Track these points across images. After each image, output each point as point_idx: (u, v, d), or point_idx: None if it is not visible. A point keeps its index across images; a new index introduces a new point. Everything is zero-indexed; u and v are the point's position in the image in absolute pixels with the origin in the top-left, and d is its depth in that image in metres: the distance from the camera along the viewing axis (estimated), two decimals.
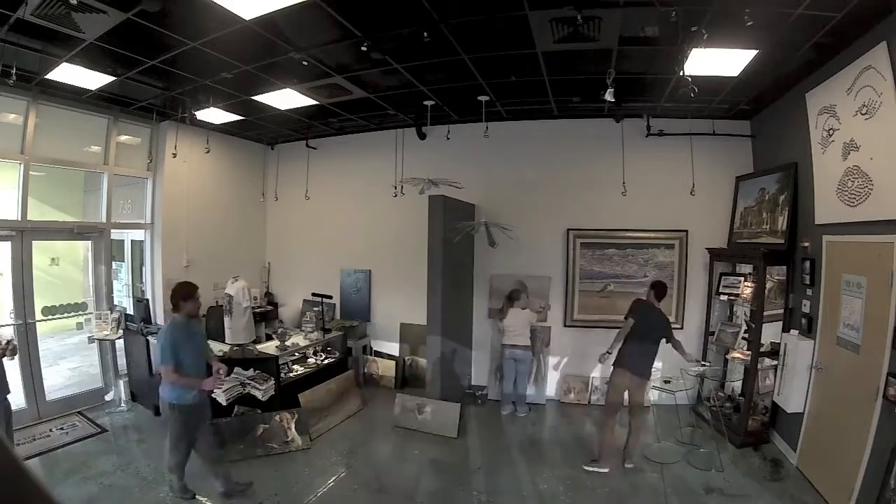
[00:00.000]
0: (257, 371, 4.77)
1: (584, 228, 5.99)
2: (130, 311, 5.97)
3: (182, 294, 3.48)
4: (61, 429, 4.82)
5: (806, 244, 4.34)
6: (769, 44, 3.56)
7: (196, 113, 5.58)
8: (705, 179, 5.42)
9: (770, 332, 4.67)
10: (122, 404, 5.46)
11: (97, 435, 4.74)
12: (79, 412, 5.22)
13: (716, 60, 3.73)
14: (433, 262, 5.30)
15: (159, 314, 6.19)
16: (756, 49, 3.63)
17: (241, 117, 5.97)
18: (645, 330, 4.16)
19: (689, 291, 5.81)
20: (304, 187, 7.06)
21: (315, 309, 6.60)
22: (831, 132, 3.86)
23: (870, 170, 3.39)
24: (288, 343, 5.51)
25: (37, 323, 5.08)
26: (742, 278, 5.14)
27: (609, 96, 3.81)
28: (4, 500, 0.44)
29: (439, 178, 4.97)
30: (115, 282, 6.05)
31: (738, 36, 3.35)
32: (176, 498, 3.63)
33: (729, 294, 5.22)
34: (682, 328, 5.80)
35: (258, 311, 6.74)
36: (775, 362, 4.49)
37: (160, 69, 4.38)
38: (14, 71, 3.83)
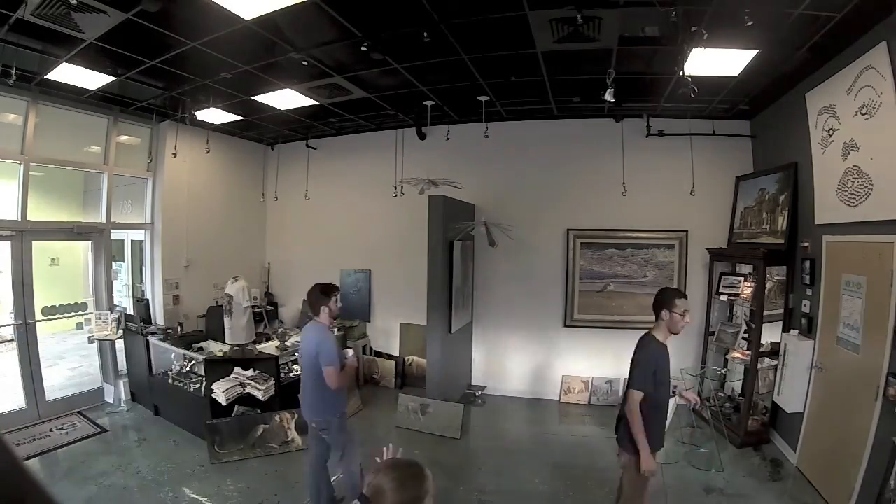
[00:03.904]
0: (257, 371, 4.77)
1: (584, 228, 5.99)
2: (130, 312, 5.97)
3: (330, 292, 3.30)
4: (61, 429, 4.82)
5: (806, 244, 4.34)
6: (769, 44, 3.56)
7: (196, 113, 5.59)
8: (705, 179, 5.42)
9: (770, 332, 4.67)
10: (122, 404, 5.46)
11: (97, 435, 4.74)
12: (79, 412, 5.22)
13: (716, 60, 3.73)
14: (433, 263, 5.30)
15: (159, 314, 6.20)
16: (756, 49, 3.63)
17: (241, 117, 5.97)
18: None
19: (689, 291, 5.78)
20: (304, 187, 7.06)
21: None
22: (831, 132, 3.86)
23: (870, 170, 3.39)
24: (288, 343, 5.51)
25: (37, 323, 5.08)
26: (742, 278, 5.14)
27: (609, 96, 3.81)
28: (4, 500, 0.44)
29: (439, 178, 4.97)
30: (115, 282, 6.05)
31: (738, 36, 3.35)
32: None
33: (729, 294, 5.22)
34: None
35: (258, 311, 6.74)
36: (775, 362, 4.49)
37: (160, 69, 4.38)
38: (14, 71, 3.83)
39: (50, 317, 5.37)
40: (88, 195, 6.09)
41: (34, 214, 5.07)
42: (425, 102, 5.47)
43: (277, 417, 4.62)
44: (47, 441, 4.54)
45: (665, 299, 2.78)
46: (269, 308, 7.31)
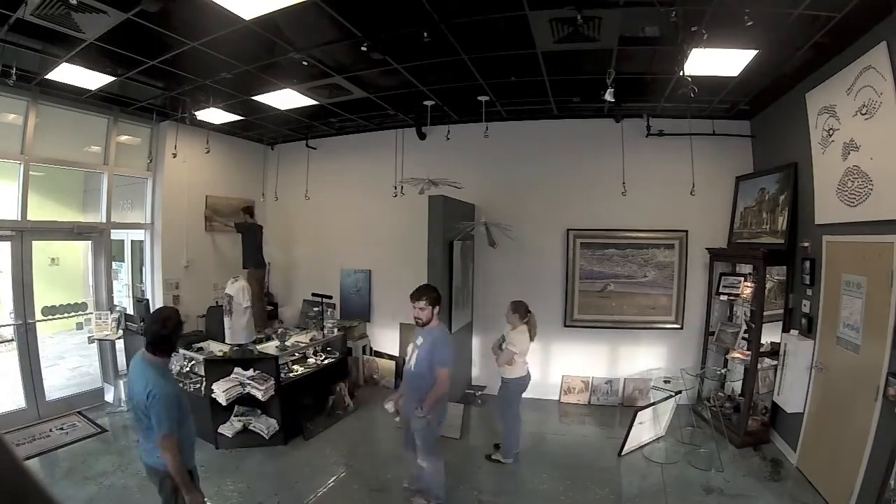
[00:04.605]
0: (257, 371, 4.76)
1: (584, 228, 5.98)
2: (130, 312, 5.97)
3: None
4: (61, 429, 4.82)
5: (806, 244, 4.34)
6: (769, 44, 3.56)
7: (196, 113, 5.58)
8: (705, 179, 5.41)
9: (770, 332, 4.67)
10: (122, 404, 5.45)
11: (97, 435, 4.74)
12: (79, 412, 5.22)
13: (716, 60, 3.73)
14: (433, 263, 5.29)
15: None
16: (756, 49, 3.63)
17: (241, 117, 5.97)
18: None
19: (689, 291, 5.81)
20: (304, 187, 7.06)
21: (315, 309, 6.60)
22: (831, 132, 3.86)
23: (870, 170, 3.39)
24: (288, 343, 5.51)
25: (37, 323, 5.08)
26: (742, 278, 5.14)
27: (609, 96, 3.81)
28: (4, 500, 0.44)
29: (439, 178, 4.97)
30: (115, 282, 6.05)
31: (738, 36, 3.35)
32: None
33: (729, 294, 5.22)
34: (682, 328, 5.81)
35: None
36: (775, 362, 4.49)
37: (160, 69, 4.38)
38: (14, 71, 3.84)
39: (50, 317, 5.37)
40: (88, 195, 6.09)
41: (34, 214, 5.07)
42: (425, 102, 5.47)
43: (338, 388, 5.23)
44: (47, 441, 4.54)
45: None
46: (269, 308, 7.31)
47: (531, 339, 4.29)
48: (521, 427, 4.47)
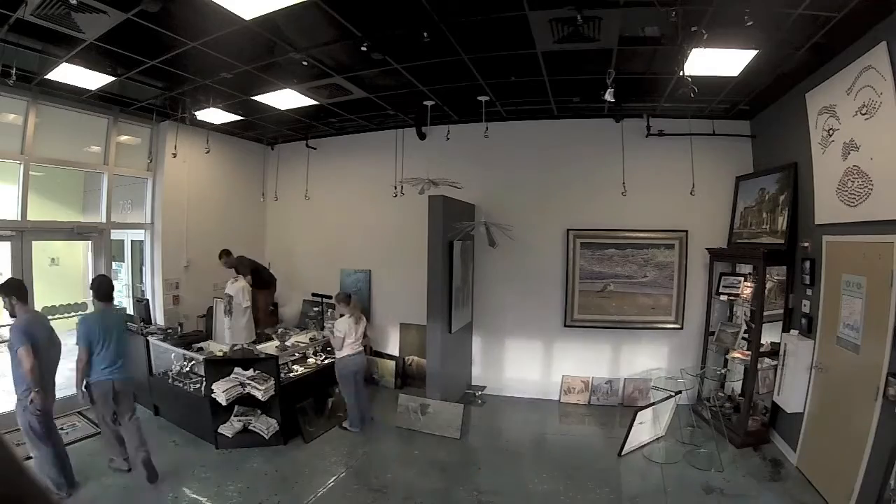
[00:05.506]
0: (257, 371, 4.76)
1: (584, 228, 5.98)
2: (130, 312, 5.97)
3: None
4: (61, 429, 4.80)
5: (806, 244, 4.34)
6: (769, 44, 3.56)
7: (196, 113, 5.59)
8: (705, 179, 5.42)
9: (770, 332, 4.67)
10: None
11: (97, 435, 4.74)
12: (79, 412, 5.22)
13: (716, 60, 3.73)
14: (433, 262, 5.30)
15: (159, 314, 6.20)
16: (756, 49, 3.63)
17: (241, 117, 5.97)
18: None
19: (689, 291, 5.80)
20: (304, 187, 7.06)
21: (315, 309, 6.61)
22: (831, 132, 3.87)
23: (870, 170, 3.39)
24: (288, 343, 5.51)
25: None
26: (742, 278, 5.14)
27: (609, 96, 3.81)
28: (4, 500, 0.44)
29: (439, 178, 4.98)
30: (115, 282, 6.04)
31: (738, 36, 3.35)
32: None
33: (729, 294, 5.22)
34: (682, 328, 5.81)
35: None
36: (775, 362, 4.49)
37: (160, 69, 4.38)
38: (14, 71, 3.83)
39: (50, 317, 5.35)
40: (88, 195, 6.09)
41: (34, 214, 5.07)
42: (425, 102, 5.47)
43: (337, 390, 5.16)
44: None
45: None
46: (269, 308, 7.30)
47: (357, 322, 4.96)
48: (365, 402, 5.16)
